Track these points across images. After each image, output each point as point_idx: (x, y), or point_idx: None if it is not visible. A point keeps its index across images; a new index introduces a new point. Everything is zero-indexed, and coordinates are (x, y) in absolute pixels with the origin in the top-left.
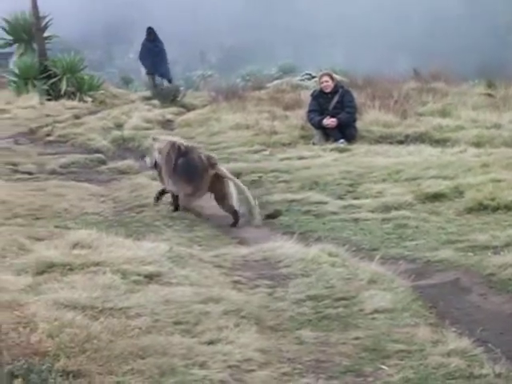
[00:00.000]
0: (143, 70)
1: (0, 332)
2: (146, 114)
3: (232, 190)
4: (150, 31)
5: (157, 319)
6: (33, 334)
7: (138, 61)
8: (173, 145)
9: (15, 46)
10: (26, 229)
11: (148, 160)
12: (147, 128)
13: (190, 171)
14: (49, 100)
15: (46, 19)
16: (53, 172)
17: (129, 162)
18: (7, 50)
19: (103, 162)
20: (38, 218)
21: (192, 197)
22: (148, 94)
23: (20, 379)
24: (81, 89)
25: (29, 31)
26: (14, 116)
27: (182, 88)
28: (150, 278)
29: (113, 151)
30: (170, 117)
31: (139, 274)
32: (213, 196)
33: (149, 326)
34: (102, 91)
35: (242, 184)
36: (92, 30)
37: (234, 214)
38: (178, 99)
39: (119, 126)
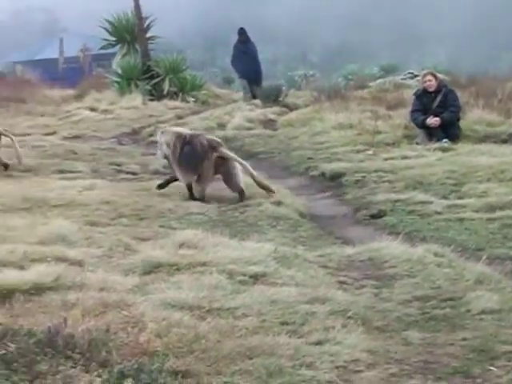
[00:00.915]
0: (237, 75)
1: (109, 332)
2: (248, 113)
3: (237, 169)
4: (242, 32)
5: (263, 319)
6: (141, 333)
7: (231, 65)
8: (178, 135)
9: (118, 46)
10: (131, 229)
11: (158, 153)
12: (250, 128)
13: (193, 158)
14: (151, 100)
15: (149, 20)
16: (156, 172)
17: None
18: (110, 50)
19: None
20: (142, 218)
21: (201, 183)
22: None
23: (130, 379)
24: (183, 89)
25: (131, 32)
26: (117, 116)
27: (283, 88)
28: (256, 278)
29: None
30: (272, 116)
31: (245, 275)
32: (221, 178)
33: (256, 327)
34: (204, 91)
35: (244, 162)
36: (194, 30)
37: (241, 193)
38: (280, 99)
39: (222, 126)
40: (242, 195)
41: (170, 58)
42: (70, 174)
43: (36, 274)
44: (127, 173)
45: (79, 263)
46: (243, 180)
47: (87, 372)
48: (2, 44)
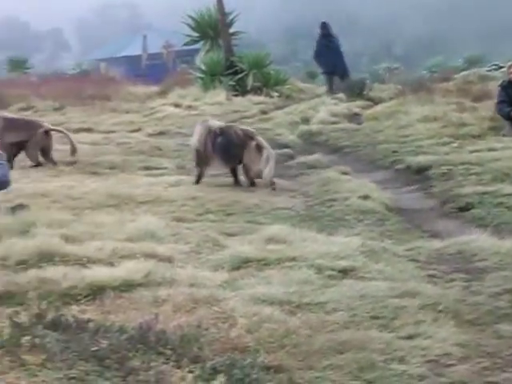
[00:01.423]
0: (320, 70)
1: (200, 328)
2: (332, 107)
3: (266, 157)
4: (324, 26)
5: (353, 314)
6: (232, 329)
7: (314, 60)
8: (208, 130)
9: (201, 42)
10: (218, 224)
11: (192, 140)
12: (334, 122)
13: (229, 148)
14: (235, 96)
15: (232, 15)
16: None
17: (317, 157)
18: (193, 46)
19: (291, 157)
20: (229, 214)
21: (250, 169)
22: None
23: (222, 375)
24: (267, 84)
25: (215, 28)
26: (201, 112)
27: (367, 81)
28: (345, 272)
29: (301, 146)
30: (356, 110)
31: (333, 269)
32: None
33: (346, 321)
34: (288, 86)
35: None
36: (275, 24)
37: (258, 178)
38: (365, 92)
39: (306, 121)
40: (252, 182)
41: (254, 53)
42: (156, 170)
43: (126, 270)
44: None
45: (168, 259)
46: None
47: (179, 368)
48: (86, 41)
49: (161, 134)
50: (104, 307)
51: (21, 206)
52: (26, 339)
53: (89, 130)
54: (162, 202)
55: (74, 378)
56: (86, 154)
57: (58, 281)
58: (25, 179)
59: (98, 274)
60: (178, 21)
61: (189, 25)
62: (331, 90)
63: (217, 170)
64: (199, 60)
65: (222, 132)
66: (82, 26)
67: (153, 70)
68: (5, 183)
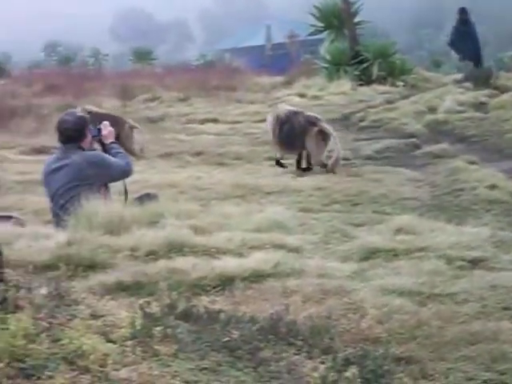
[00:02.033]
0: (456, 56)
1: (330, 318)
2: (458, 97)
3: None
4: (463, 11)
5: (484, 305)
6: (362, 320)
7: (449, 46)
8: (276, 117)
9: (326, 32)
10: (345, 215)
11: (267, 124)
12: (460, 111)
13: (292, 135)
14: (360, 85)
15: (356, 5)
16: (368, 157)
17: (444, 146)
18: (317, 36)
19: (417, 147)
20: (355, 204)
21: (313, 155)
22: (459, 77)
23: (355, 366)
24: (392, 73)
25: (339, 17)
26: (326, 102)
27: (493, 69)
28: (475, 263)
29: (426, 135)
30: (483, 99)
31: (463, 260)
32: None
33: (477, 312)
34: (413, 75)
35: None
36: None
37: (319, 164)
38: (491, 81)
39: (432, 110)
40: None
41: (379, 42)
42: (282, 160)
43: (255, 261)
44: None
45: (296, 250)
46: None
47: (310, 359)
48: (210, 32)
49: None
50: (234, 298)
51: (148, 196)
52: (157, 330)
53: (214, 121)
54: (289, 193)
55: (205, 368)
56: (212, 145)
57: (188, 271)
58: (151, 170)
59: (227, 264)
60: (302, 11)
61: (313, 14)
62: (469, 75)
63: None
64: (324, 50)
65: (288, 119)
66: (206, 17)
67: (277, 61)
68: (129, 171)
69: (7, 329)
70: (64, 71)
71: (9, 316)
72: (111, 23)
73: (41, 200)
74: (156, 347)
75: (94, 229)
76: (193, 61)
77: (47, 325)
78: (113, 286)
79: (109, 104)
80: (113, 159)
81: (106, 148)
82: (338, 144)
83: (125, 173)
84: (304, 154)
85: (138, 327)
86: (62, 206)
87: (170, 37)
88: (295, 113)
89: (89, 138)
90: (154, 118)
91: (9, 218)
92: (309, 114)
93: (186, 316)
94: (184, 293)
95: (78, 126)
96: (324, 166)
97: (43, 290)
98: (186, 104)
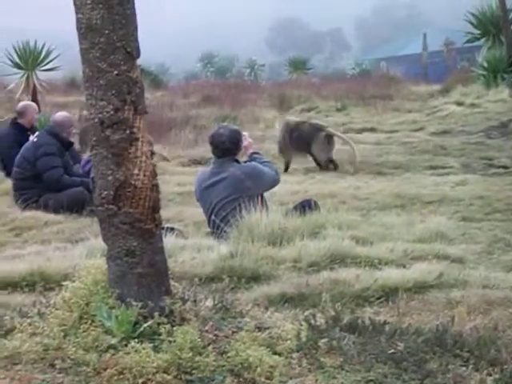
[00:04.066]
0: None
1: (497, 330)
2: None
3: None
4: None
5: None
6: None
7: None
8: (285, 125)
9: (483, 39)
10: (507, 224)
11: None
12: None
13: (302, 140)
14: None
15: None
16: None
17: None
18: (474, 44)
19: None
20: None
21: (319, 157)
22: None
23: None
24: None
25: (496, 24)
26: (484, 110)
27: None
28: None
29: None
30: None
31: None
32: None
33: None
34: None
35: (347, 138)
36: None
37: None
38: None
39: None
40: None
41: None
42: (441, 169)
43: (418, 271)
44: (498, 167)
45: (459, 260)
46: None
47: (477, 370)
48: (366, 41)
49: (444, 132)
50: (397, 309)
51: (308, 202)
52: (323, 342)
53: (372, 130)
54: (449, 202)
55: (371, 380)
56: (370, 154)
57: (351, 282)
58: (310, 180)
59: (390, 275)
60: (458, 18)
61: (470, 22)
62: None
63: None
64: (481, 57)
65: (297, 128)
66: (362, 26)
67: (433, 69)
68: (278, 180)
69: (174, 341)
70: (220, 82)
71: (175, 328)
72: (267, 33)
73: (200, 212)
74: (322, 359)
75: (255, 240)
76: (348, 69)
77: (213, 337)
78: (276, 297)
79: (266, 114)
80: (265, 169)
81: (249, 159)
82: (354, 147)
83: (275, 182)
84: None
85: (304, 339)
86: (223, 217)
87: (326, 46)
88: (302, 122)
89: (242, 150)
90: None
91: (171, 229)
92: (316, 121)
93: (350, 328)
94: (347, 304)
95: (233, 139)
96: (330, 162)
97: (208, 303)
98: (343, 113)
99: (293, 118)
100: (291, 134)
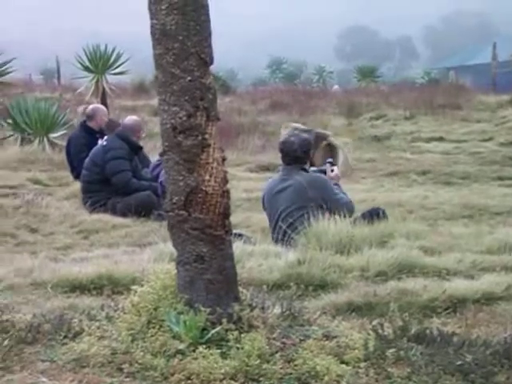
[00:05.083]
0: None
1: None
2: None
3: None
4: None
5: None
6: None
7: None
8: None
9: None
10: None
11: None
12: None
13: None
14: None
15: None
16: None
17: None
18: None
19: None
20: None
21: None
22: None
23: None
24: None
25: None
26: None
27: None
28: None
29: None
30: None
31: None
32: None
33: None
34: None
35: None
36: None
37: None
38: None
39: None
40: None
41: None
42: (509, 180)
43: (486, 283)
44: None
45: None
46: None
47: None
48: (435, 49)
49: None
50: (465, 320)
51: (375, 211)
52: (390, 352)
53: (440, 140)
54: None
55: None
56: (438, 164)
57: (418, 293)
58: (378, 188)
59: (458, 286)
60: None
61: None
62: None
63: None
64: None
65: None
66: (431, 34)
67: (503, 79)
68: (354, 210)
69: (242, 348)
70: (289, 88)
71: (243, 335)
72: (335, 41)
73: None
74: (389, 369)
75: (323, 248)
76: (417, 78)
77: (281, 345)
78: (344, 306)
79: (335, 122)
80: (339, 194)
81: None
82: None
83: (350, 210)
84: None
85: (371, 349)
86: (290, 224)
87: (395, 54)
88: (305, 130)
89: (310, 159)
90: (380, 136)
91: (239, 235)
92: (318, 130)
93: (418, 338)
94: (415, 314)
95: (303, 147)
96: None
97: (276, 310)
98: (412, 122)
99: (298, 125)
100: None
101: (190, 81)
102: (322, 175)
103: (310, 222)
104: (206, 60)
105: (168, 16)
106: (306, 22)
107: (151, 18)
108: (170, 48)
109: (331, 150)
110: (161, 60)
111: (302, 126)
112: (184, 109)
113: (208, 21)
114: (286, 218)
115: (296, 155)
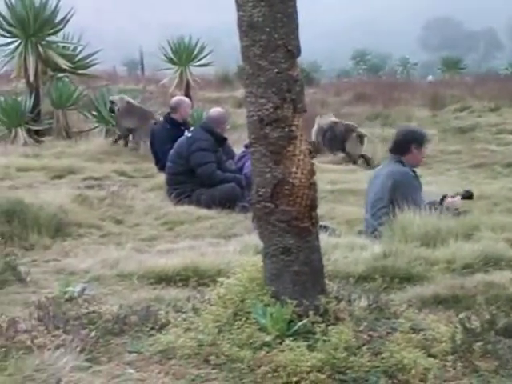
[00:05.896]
0: None
1: None
2: None
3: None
4: None
5: None
6: None
7: None
8: (318, 127)
9: None
10: None
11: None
12: None
13: (334, 140)
14: None
15: None
16: None
17: None
18: None
19: None
20: None
21: (351, 154)
22: None
23: None
24: None
25: None
26: None
27: None
28: None
29: None
30: None
31: None
32: None
33: None
34: None
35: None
36: None
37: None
38: None
39: None
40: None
41: None
42: None
43: None
44: None
45: None
46: None
47: None
48: None
49: None
50: None
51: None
52: (478, 345)
53: None
54: None
55: None
56: None
57: (505, 285)
58: (463, 181)
59: None
60: None
61: None
62: None
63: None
64: None
65: (329, 128)
66: None
67: None
68: None
69: (329, 340)
70: (373, 80)
71: (330, 328)
72: (420, 32)
73: (352, 210)
74: (477, 363)
75: (409, 240)
76: (501, 70)
77: (368, 338)
78: (430, 298)
79: (419, 114)
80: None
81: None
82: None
83: None
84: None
85: (459, 342)
86: (373, 214)
87: (479, 45)
88: (335, 123)
89: (415, 155)
90: (464, 127)
91: (325, 227)
92: (347, 122)
93: (506, 332)
94: (502, 307)
95: (403, 139)
96: (361, 157)
97: (362, 302)
98: (497, 114)
99: (325, 118)
100: (324, 134)
101: (277, 73)
102: (410, 173)
103: (396, 213)
104: (293, 52)
105: (255, 8)
106: (392, 13)
107: (238, 10)
108: (257, 40)
109: (361, 141)
110: (248, 52)
111: (328, 119)
112: (271, 101)
113: (295, 12)
114: (371, 208)
115: (394, 145)
